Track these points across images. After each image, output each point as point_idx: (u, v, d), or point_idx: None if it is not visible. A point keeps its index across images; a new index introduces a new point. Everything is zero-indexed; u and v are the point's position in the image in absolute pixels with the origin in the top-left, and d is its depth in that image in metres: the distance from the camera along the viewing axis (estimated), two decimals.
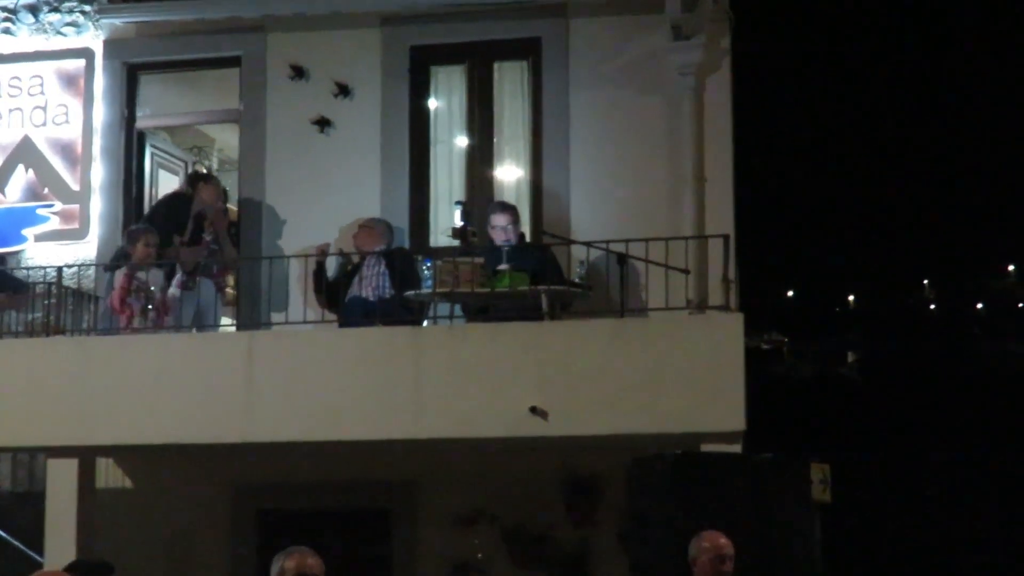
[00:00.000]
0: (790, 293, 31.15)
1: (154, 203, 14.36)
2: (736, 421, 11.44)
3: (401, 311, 12.54)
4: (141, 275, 12.80)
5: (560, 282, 12.31)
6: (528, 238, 13.29)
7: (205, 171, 15.23)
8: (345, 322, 12.70)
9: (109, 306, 12.90)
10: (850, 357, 30.58)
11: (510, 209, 12.90)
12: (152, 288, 12.77)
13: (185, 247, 13.41)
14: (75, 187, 14.47)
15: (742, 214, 13.48)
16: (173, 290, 12.87)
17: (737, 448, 11.45)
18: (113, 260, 13.43)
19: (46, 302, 13.41)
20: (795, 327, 30.11)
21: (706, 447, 11.31)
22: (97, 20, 14.64)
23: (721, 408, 11.47)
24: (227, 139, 16.14)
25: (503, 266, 12.14)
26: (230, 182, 14.80)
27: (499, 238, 12.65)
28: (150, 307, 12.70)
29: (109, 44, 14.63)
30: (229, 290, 14.37)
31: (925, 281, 31.32)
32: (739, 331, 11.71)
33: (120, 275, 12.75)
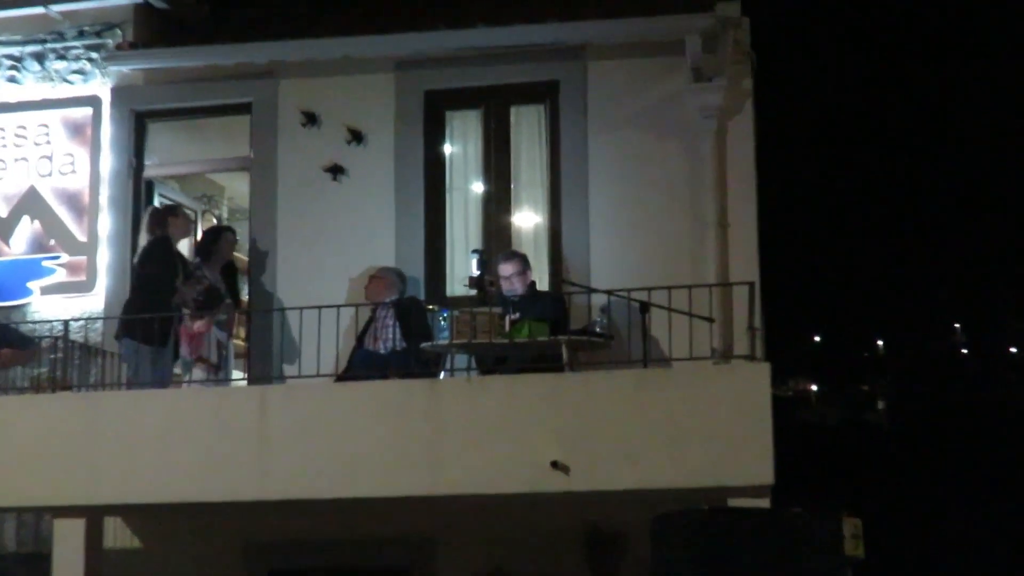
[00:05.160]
0: (817, 338, 30.85)
1: (138, 258, 13.32)
2: (764, 475, 11.10)
3: (413, 363, 12.23)
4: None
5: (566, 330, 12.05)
6: (547, 286, 13.02)
7: (168, 203, 14.68)
8: (351, 376, 12.38)
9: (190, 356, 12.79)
10: (880, 404, 30.25)
11: (516, 258, 12.70)
12: (220, 340, 12.67)
13: (185, 286, 13.00)
14: (82, 238, 14.21)
15: (767, 258, 13.21)
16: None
17: (765, 502, 11.12)
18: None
19: (52, 356, 13.16)
20: (823, 373, 29.84)
21: (733, 501, 10.99)
22: (104, 68, 14.49)
23: (748, 461, 11.14)
24: (237, 187, 15.96)
25: (513, 316, 11.85)
26: (241, 231, 14.51)
27: (505, 288, 12.41)
28: (217, 355, 12.68)
29: (117, 91, 14.47)
30: (238, 341, 14.05)
31: (956, 325, 31.00)
32: (766, 381, 11.42)
33: (202, 324, 12.70)
